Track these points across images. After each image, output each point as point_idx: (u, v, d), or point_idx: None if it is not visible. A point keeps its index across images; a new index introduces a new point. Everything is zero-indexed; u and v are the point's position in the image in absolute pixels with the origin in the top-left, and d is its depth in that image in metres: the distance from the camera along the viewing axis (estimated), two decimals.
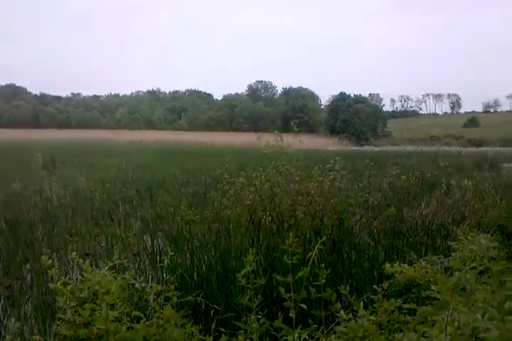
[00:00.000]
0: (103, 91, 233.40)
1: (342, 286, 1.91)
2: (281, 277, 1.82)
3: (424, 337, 1.71)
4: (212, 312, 2.52)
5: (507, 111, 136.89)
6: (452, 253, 3.38)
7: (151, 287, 2.31)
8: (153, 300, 2.25)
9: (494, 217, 2.77)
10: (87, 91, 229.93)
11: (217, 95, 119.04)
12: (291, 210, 7.53)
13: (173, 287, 2.15)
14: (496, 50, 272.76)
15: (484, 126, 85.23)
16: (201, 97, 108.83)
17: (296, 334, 1.80)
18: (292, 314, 1.75)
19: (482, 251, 3.13)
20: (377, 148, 42.52)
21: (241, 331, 2.01)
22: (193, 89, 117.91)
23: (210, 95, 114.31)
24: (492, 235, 3.32)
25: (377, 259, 5.95)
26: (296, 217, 7.29)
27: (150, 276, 5.90)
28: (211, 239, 6.30)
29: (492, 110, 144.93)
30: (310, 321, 1.98)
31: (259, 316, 2.09)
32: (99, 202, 10.19)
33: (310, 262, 1.79)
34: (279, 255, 4.26)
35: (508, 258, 2.74)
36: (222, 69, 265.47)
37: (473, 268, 2.58)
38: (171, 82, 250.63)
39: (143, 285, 2.47)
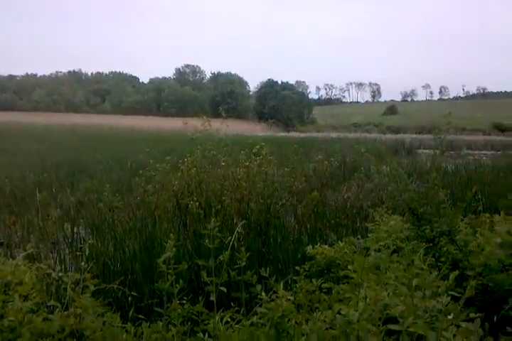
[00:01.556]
0: (19, 71, 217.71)
1: (263, 269, 1.94)
2: (203, 261, 1.83)
3: (339, 314, 1.79)
4: (130, 299, 2.48)
5: (423, 100, 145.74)
6: (369, 234, 3.57)
7: (68, 276, 2.22)
8: (71, 289, 2.16)
9: (407, 200, 2.95)
10: (0, 71, 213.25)
11: (144, 78, 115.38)
12: (218, 195, 7.55)
13: (89, 275, 2.07)
14: (413, 41, 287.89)
15: (402, 114, 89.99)
16: (126, 80, 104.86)
17: (218, 317, 1.82)
18: (213, 297, 1.77)
19: (395, 232, 3.33)
20: (303, 135, 43.53)
21: (165, 317, 1.99)
22: (117, 71, 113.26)
23: (136, 78, 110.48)
24: (405, 217, 3.53)
25: (301, 241, 6.15)
26: (223, 202, 7.32)
27: (71, 265, 5.67)
28: (136, 226, 6.17)
29: (409, 99, 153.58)
30: (233, 304, 2.01)
31: (184, 301, 2.08)
32: (14, 189, 9.58)
33: (230, 245, 1.81)
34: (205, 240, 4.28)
35: (418, 237, 2.93)
36: (148, 51, 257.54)
37: (387, 247, 2.74)
38: (94, 63, 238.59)
39: (60, 274, 2.37)
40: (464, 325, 1.43)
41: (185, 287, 2.08)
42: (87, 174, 12.52)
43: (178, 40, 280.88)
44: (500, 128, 52.52)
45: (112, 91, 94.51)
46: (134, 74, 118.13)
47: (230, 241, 1.83)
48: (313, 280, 2.66)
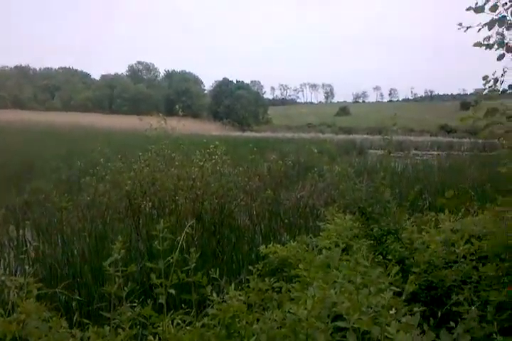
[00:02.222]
0: None
1: (213, 270, 1.94)
2: (155, 263, 1.80)
3: (290, 312, 1.82)
4: (75, 303, 2.42)
5: (373, 102, 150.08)
6: (321, 233, 3.64)
7: (12, 280, 2.13)
8: (15, 293, 2.08)
9: (356, 199, 3.03)
10: None
11: (95, 74, 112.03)
12: (172, 195, 7.47)
13: (32, 279, 2.00)
14: (364, 44, 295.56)
15: (354, 115, 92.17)
16: (77, 76, 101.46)
17: (168, 320, 1.80)
18: (162, 300, 1.75)
19: (345, 230, 3.41)
20: (258, 134, 43.72)
21: (116, 320, 1.95)
22: (67, 66, 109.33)
23: (87, 74, 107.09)
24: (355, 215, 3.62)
25: (255, 241, 6.19)
26: (176, 202, 7.25)
27: (18, 269, 5.44)
28: (85, 227, 6.00)
29: (361, 100, 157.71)
30: (184, 306, 1.99)
31: (135, 304, 2.04)
32: None
33: (179, 246, 1.79)
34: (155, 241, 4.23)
35: (366, 236, 3.02)
36: (100, 48, 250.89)
37: (337, 246, 2.81)
38: (42, 58, 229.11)
39: (3, 278, 2.27)
40: (404, 319, 1.48)
41: (136, 289, 2.05)
42: (35, 173, 12.05)
43: (132, 37, 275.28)
44: (446, 130, 54.81)
45: (61, 88, 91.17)
46: (85, 71, 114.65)
47: (179, 241, 1.81)
48: (266, 279, 2.69)
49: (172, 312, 1.86)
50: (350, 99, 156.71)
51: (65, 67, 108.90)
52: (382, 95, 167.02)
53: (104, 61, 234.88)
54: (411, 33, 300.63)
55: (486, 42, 2.31)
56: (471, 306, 2.21)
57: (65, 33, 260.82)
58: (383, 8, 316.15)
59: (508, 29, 2.26)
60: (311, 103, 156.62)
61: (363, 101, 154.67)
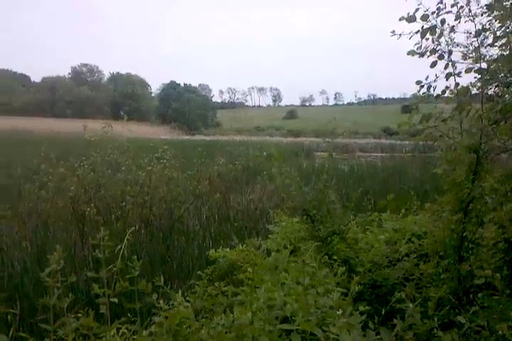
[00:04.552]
0: None
1: (157, 278, 1.90)
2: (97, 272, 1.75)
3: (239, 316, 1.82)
4: (10, 316, 2.29)
5: (319, 106, 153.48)
6: (270, 236, 3.67)
7: None
8: None
9: (301, 202, 3.09)
10: None
11: (36, 77, 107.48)
12: (118, 201, 7.30)
13: None
14: (311, 47, 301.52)
15: (301, 118, 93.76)
16: (15, 78, 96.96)
17: (113, 330, 1.75)
18: (103, 310, 1.70)
19: (294, 232, 3.46)
20: (208, 138, 43.44)
21: (57, 333, 1.87)
22: (4, 68, 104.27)
23: (26, 77, 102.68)
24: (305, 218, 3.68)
25: (205, 245, 6.14)
26: (123, 208, 7.09)
27: None
28: (27, 236, 5.74)
29: (308, 104, 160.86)
30: (130, 315, 1.94)
31: (80, 315, 1.97)
32: None
33: (121, 254, 1.75)
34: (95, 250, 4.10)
35: (312, 237, 3.07)
36: (42, 49, 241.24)
37: (286, 248, 2.84)
38: None
39: None
40: (346, 319, 1.52)
41: (81, 299, 1.98)
42: None
43: (75, 38, 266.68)
44: (389, 132, 56.72)
45: None
46: (25, 73, 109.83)
47: (122, 249, 1.77)
48: (216, 283, 2.68)
49: (120, 321, 1.81)
50: (297, 103, 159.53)
51: (2, 69, 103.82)
52: (328, 99, 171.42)
53: (45, 64, 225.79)
54: (354, 38, 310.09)
55: (419, 50, 2.42)
56: (413, 303, 2.30)
57: (1, 33, 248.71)
58: (327, 13, 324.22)
59: (439, 37, 2.38)
60: (260, 106, 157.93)
61: (310, 105, 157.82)
